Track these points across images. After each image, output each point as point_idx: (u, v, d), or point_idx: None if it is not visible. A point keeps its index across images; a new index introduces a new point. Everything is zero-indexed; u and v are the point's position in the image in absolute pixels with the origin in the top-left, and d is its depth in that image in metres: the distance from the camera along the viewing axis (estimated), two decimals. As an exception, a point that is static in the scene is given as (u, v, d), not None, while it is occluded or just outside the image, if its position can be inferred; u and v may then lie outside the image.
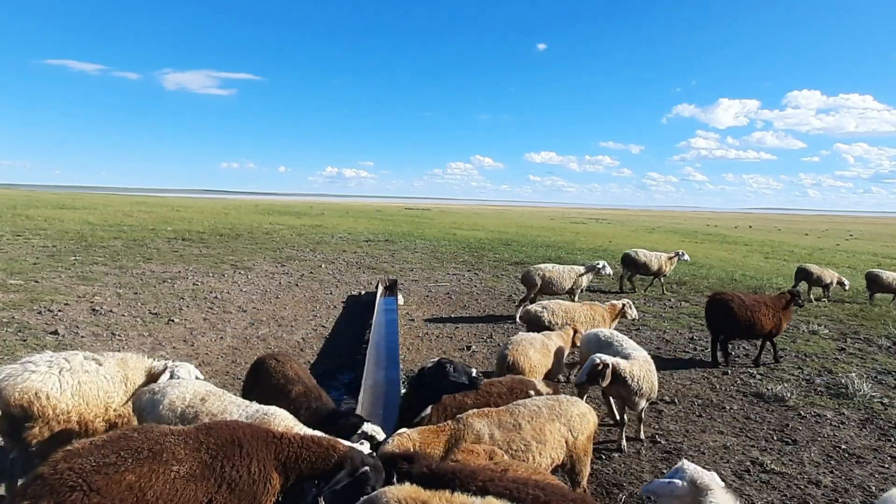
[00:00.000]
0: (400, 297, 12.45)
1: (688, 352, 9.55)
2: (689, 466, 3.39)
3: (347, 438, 4.19)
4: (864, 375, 8.34)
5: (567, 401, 4.39)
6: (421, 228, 35.47)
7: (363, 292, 12.97)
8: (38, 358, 4.30)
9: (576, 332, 7.08)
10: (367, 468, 3.35)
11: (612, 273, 13.52)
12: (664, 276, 15.48)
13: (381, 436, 4.40)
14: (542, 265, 12.04)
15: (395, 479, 3.19)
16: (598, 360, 5.32)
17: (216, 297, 11.95)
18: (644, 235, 39.32)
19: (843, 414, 6.97)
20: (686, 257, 15.92)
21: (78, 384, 4.19)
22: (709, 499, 3.26)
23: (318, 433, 3.73)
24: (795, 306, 9.22)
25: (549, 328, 7.71)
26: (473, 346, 9.36)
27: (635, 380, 5.42)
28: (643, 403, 5.70)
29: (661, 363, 8.88)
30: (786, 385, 7.78)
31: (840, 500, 5.01)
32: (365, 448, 3.80)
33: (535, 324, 8.01)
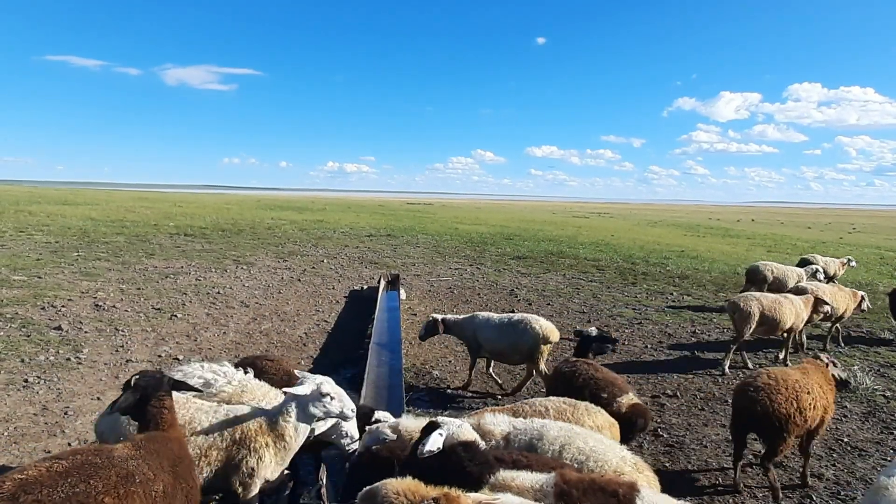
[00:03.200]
0: (402, 291, 12.47)
1: (690, 345, 9.55)
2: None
3: (361, 428, 4.23)
4: (867, 369, 8.33)
5: (586, 409, 4.20)
6: (423, 223, 35.43)
7: (365, 287, 12.98)
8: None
9: (817, 301, 8.42)
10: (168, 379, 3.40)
11: (823, 279, 13.20)
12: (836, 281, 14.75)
13: (390, 420, 4.47)
14: (770, 262, 12.24)
15: (396, 472, 3.20)
16: (431, 317, 7.31)
17: (219, 293, 11.97)
18: (646, 229, 39.23)
19: (846, 407, 6.96)
20: (854, 264, 14.77)
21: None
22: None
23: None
24: None
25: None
26: (476, 341, 9.37)
27: (463, 331, 7.14)
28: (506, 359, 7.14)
29: (664, 357, 8.89)
30: (788, 378, 7.77)
31: (842, 493, 5.02)
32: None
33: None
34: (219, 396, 4.15)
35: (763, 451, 4.79)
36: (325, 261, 17.43)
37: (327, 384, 3.74)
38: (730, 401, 7.06)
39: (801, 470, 5.21)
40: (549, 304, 12.54)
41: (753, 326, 8.05)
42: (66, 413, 5.95)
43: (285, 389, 3.72)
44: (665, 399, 7.13)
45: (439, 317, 7.35)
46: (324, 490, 4.39)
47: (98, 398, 6.35)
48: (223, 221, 29.46)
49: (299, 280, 14.08)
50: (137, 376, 3.27)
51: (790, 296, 8.60)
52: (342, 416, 3.74)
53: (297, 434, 3.68)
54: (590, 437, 3.60)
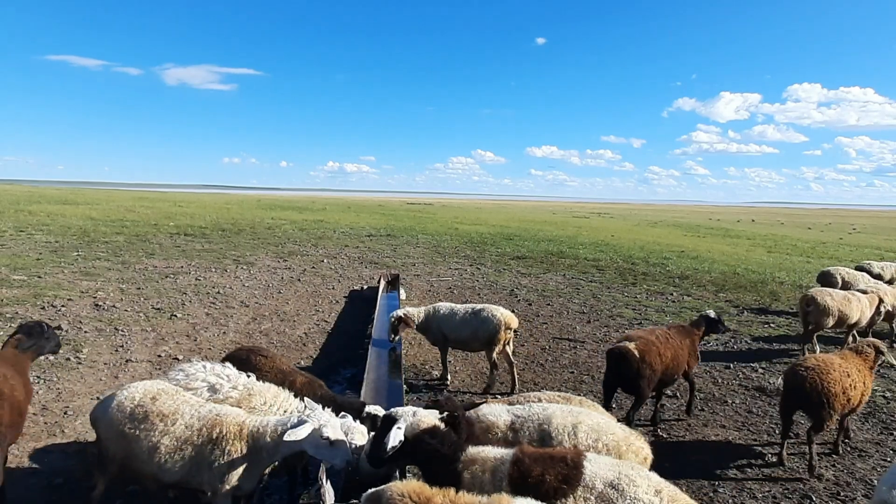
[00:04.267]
0: (402, 291, 12.46)
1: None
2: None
3: (354, 420, 4.23)
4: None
5: (580, 403, 4.29)
6: (423, 223, 35.43)
7: (365, 287, 12.98)
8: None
9: (881, 300, 9.09)
10: None
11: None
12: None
13: (382, 413, 4.44)
14: (841, 268, 12.39)
15: (397, 476, 3.20)
16: (392, 315, 7.25)
17: (219, 293, 11.97)
18: (647, 230, 39.23)
19: (846, 408, 6.96)
20: None
21: None
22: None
23: None
24: None
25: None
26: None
27: (429, 322, 7.32)
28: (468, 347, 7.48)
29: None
30: (788, 379, 7.77)
31: (842, 494, 5.02)
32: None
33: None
34: (226, 402, 4.11)
35: (810, 425, 5.33)
36: (325, 261, 17.43)
37: (331, 429, 3.42)
38: (729, 401, 7.10)
39: (832, 444, 5.90)
40: (548, 304, 12.54)
41: (832, 320, 8.57)
42: (65, 413, 5.95)
43: (289, 432, 3.45)
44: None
45: (401, 313, 7.32)
46: (324, 490, 4.39)
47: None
48: (223, 221, 29.46)
49: (299, 280, 14.08)
50: None
51: (857, 293, 9.09)
52: (336, 465, 3.52)
53: (273, 455, 3.63)
54: (591, 414, 3.90)
